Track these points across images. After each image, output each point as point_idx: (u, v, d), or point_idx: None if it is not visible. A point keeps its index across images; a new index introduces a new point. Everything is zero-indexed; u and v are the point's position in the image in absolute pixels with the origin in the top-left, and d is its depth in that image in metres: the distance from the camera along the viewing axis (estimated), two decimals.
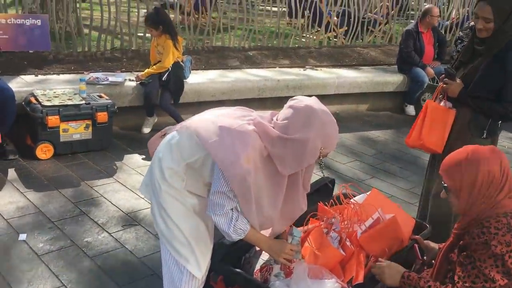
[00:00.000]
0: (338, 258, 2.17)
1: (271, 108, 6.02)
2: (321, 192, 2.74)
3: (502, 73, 2.63)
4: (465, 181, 1.79)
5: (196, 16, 7.32)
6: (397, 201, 4.02)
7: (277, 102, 5.82)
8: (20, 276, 2.70)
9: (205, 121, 1.98)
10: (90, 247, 3.02)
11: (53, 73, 5.12)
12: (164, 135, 2.15)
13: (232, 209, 1.93)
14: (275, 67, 6.48)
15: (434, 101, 2.92)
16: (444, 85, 2.84)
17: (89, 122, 4.24)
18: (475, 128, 2.75)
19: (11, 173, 3.88)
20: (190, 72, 5.22)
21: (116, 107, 4.40)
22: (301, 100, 1.97)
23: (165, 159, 2.02)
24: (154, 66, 4.89)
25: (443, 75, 2.88)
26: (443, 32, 8.03)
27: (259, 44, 7.24)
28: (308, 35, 7.77)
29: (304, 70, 6.46)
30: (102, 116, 4.26)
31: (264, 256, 2.30)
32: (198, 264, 2.05)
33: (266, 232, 2.12)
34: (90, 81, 4.75)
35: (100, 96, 4.47)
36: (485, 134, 2.74)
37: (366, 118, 6.35)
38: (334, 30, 8.06)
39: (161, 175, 2.01)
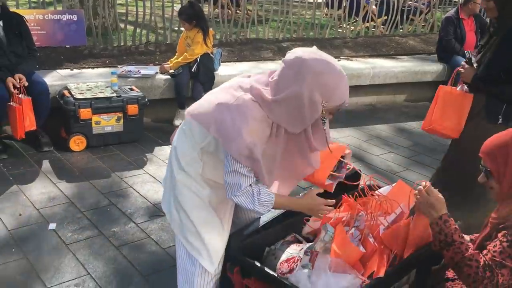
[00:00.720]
0: (358, 256, 2.08)
1: None
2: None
3: (510, 53, 2.53)
4: (510, 164, 1.68)
5: (232, 9, 7.30)
6: None
7: None
8: (47, 264, 2.76)
9: (204, 103, 1.93)
10: (116, 237, 3.05)
11: (88, 67, 5.21)
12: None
13: (250, 185, 1.86)
14: None
15: (452, 86, 2.82)
16: (461, 69, 2.75)
17: (120, 114, 4.30)
18: (489, 113, 2.62)
19: (45, 164, 3.98)
20: (219, 64, 5.20)
21: (146, 100, 4.44)
22: (293, 52, 1.80)
23: (180, 147, 2.01)
24: (179, 59, 4.90)
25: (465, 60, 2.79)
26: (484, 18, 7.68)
27: (293, 36, 7.15)
28: (345, 26, 7.61)
29: (338, 60, 6.32)
30: (132, 109, 4.30)
31: (291, 249, 2.25)
32: (210, 257, 2.03)
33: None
34: (122, 74, 4.81)
35: (131, 89, 4.52)
36: (500, 119, 2.59)
37: (404, 109, 6.16)
38: (372, 19, 7.86)
39: (177, 164, 2.00)
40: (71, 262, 2.79)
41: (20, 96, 3.85)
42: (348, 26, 7.75)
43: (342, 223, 2.26)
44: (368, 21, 7.83)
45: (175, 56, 5.07)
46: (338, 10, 7.43)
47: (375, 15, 7.99)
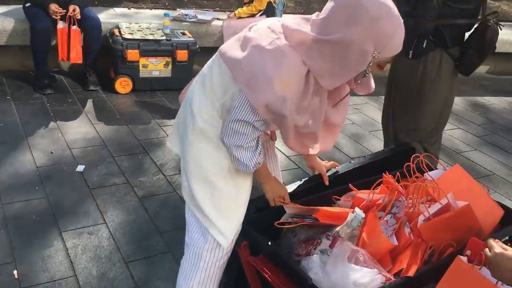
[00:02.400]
0: (388, 248, 1.77)
1: None
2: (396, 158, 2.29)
3: None
4: None
5: None
6: (498, 181, 3.41)
7: None
8: (66, 207, 2.66)
9: (233, 42, 1.64)
10: (142, 187, 2.91)
11: (146, 8, 5.04)
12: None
13: (255, 139, 1.64)
14: None
15: None
16: None
17: (169, 59, 4.10)
18: (404, 48, 2.41)
19: (88, 103, 3.89)
20: (281, 16, 4.82)
21: (197, 46, 4.20)
22: None
23: (196, 100, 1.71)
24: (244, 8, 4.56)
25: None
26: None
27: None
28: None
29: None
30: (182, 54, 4.08)
31: (314, 230, 1.97)
32: (225, 231, 1.77)
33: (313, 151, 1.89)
34: (178, 18, 4.58)
35: (183, 34, 4.29)
36: (410, 54, 2.57)
37: (483, 82, 5.52)
38: None
39: (192, 121, 1.72)
40: (90, 208, 2.68)
41: (73, 27, 3.77)
42: None
43: (377, 207, 1.94)
44: None
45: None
46: None
47: None
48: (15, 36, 3.99)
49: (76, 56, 3.85)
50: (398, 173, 2.10)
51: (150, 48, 4.01)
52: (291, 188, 2.01)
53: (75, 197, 2.75)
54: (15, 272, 2.19)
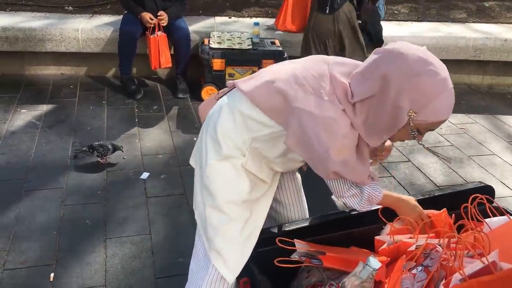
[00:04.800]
0: None
1: (491, 74, 4.82)
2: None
3: None
4: None
5: None
6: None
7: (501, 68, 4.63)
8: (119, 214, 2.72)
9: (273, 93, 1.49)
10: None
11: (247, 16, 5.03)
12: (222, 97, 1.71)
13: (353, 186, 1.56)
14: None
15: None
16: None
17: (255, 69, 4.01)
18: (320, 4, 3.16)
19: (173, 111, 3.98)
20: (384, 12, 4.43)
21: (286, 56, 4.05)
22: (391, 43, 1.39)
23: (222, 126, 1.58)
24: None
25: None
26: None
27: None
28: None
29: None
30: (268, 64, 3.95)
31: (328, 273, 1.73)
32: (231, 264, 1.61)
33: None
34: (271, 26, 4.49)
35: (273, 43, 4.18)
36: (327, 10, 3.12)
37: None
38: None
39: (214, 145, 1.60)
40: (140, 217, 2.71)
41: (158, 33, 3.91)
42: None
43: (407, 254, 1.63)
44: None
45: None
46: None
47: None
48: (116, 44, 4.23)
49: (166, 61, 3.99)
50: (454, 214, 1.76)
51: (236, 57, 3.98)
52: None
53: (131, 205, 2.80)
54: (52, 274, 2.28)
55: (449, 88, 1.33)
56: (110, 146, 3.11)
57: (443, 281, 1.51)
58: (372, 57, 1.41)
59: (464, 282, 1.46)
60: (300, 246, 1.66)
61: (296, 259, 1.63)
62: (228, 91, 1.68)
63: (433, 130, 1.44)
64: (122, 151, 3.19)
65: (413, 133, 1.39)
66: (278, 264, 1.58)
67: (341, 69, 1.47)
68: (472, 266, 1.50)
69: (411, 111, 1.32)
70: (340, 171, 1.45)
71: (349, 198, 1.58)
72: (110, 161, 3.16)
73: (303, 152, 1.47)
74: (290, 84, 1.47)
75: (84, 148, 3.11)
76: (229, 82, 1.69)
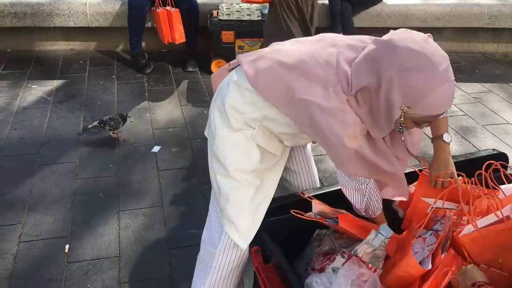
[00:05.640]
0: (418, 274, 1.45)
1: (507, 42, 4.71)
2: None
3: None
4: None
5: None
6: None
7: None
8: (132, 186, 2.74)
9: (277, 80, 1.46)
10: (206, 173, 2.86)
11: None
12: (233, 69, 1.69)
13: (365, 183, 1.55)
14: None
15: None
16: None
17: None
18: None
19: (183, 84, 3.97)
20: None
21: None
22: (391, 33, 1.35)
23: (230, 102, 1.57)
24: None
25: None
26: None
27: None
28: None
29: None
30: None
31: (340, 242, 1.73)
32: (244, 231, 1.62)
33: None
34: None
35: None
36: None
37: None
38: None
39: (222, 117, 1.59)
40: (152, 190, 2.72)
41: (167, 8, 3.86)
42: None
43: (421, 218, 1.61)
44: None
45: None
46: None
47: None
48: (125, 18, 4.20)
49: (180, 36, 3.93)
50: (471, 179, 1.73)
51: (245, 29, 3.93)
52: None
53: (143, 178, 2.82)
54: (67, 246, 2.31)
55: (446, 81, 1.25)
56: (119, 118, 3.11)
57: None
58: (370, 46, 1.36)
59: (476, 232, 1.46)
60: (317, 206, 1.65)
61: (311, 217, 1.62)
62: (239, 65, 1.66)
63: (432, 122, 1.40)
64: (131, 120, 3.21)
65: (400, 128, 1.35)
66: (294, 214, 1.58)
67: (348, 55, 1.42)
68: (486, 219, 1.50)
69: (403, 106, 1.28)
70: (353, 160, 1.42)
71: (351, 190, 1.58)
72: (121, 135, 3.17)
73: (316, 137, 1.46)
74: (295, 71, 1.44)
75: (94, 123, 3.12)
76: (238, 56, 1.66)
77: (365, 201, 1.59)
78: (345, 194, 1.61)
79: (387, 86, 1.28)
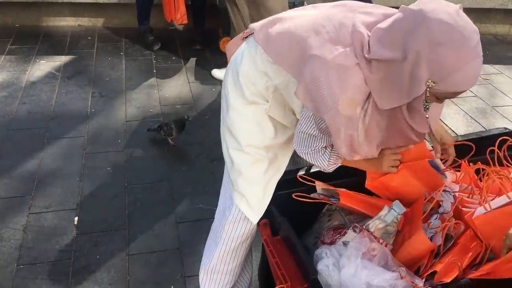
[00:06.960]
0: (428, 249, 1.46)
1: None
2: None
3: None
4: None
5: None
6: None
7: None
8: (137, 162, 2.76)
9: (289, 40, 1.43)
10: (211, 151, 2.85)
11: None
12: (247, 37, 1.67)
13: (325, 147, 1.49)
14: None
15: None
16: None
17: None
18: None
19: (191, 62, 3.95)
20: None
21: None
22: (421, 1, 1.26)
23: (244, 72, 1.55)
24: None
25: None
26: None
27: None
28: None
29: None
30: None
31: (351, 217, 1.73)
32: (254, 205, 1.63)
33: None
34: None
35: None
36: None
37: None
38: None
39: (237, 91, 1.58)
40: (160, 165, 2.74)
41: None
42: None
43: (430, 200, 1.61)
44: None
45: None
46: None
47: None
48: None
49: (181, 17, 3.86)
50: (479, 161, 1.72)
51: None
52: None
53: (148, 153, 2.83)
54: (76, 218, 2.33)
55: (477, 57, 1.20)
56: (173, 125, 2.84)
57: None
58: (397, 15, 1.30)
59: (489, 213, 1.46)
60: (320, 187, 1.66)
61: (315, 198, 1.63)
62: (252, 33, 1.64)
63: (453, 98, 1.34)
64: (190, 120, 2.97)
65: (426, 104, 1.29)
66: (296, 198, 1.59)
67: (365, 19, 1.37)
68: (497, 200, 1.50)
69: (429, 81, 1.22)
70: (342, 128, 1.35)
71: (309, 154, 1.51)
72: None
73: (310, 101, 1.38)
74: (308, 32, 1.41)
75: (154, 127, 2.91)
76: (251, 24, 1.64)
77: (327, 159, 1.52)
78: (304, 158, 1.54)
79: (414, 60, 1.21)
